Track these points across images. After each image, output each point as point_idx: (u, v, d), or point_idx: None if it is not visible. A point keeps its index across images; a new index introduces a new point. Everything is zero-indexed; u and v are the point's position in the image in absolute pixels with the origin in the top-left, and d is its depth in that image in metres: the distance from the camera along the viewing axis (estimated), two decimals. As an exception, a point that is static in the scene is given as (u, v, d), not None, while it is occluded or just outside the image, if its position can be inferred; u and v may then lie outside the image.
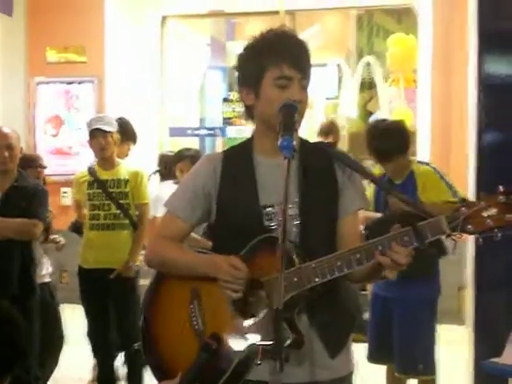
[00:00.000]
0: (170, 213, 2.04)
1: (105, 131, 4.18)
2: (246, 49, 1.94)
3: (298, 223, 1.88)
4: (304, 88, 1.89)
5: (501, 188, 1.67)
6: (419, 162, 3.77)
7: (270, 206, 1.90)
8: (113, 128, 4.25)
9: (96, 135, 4.19)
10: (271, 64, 1.87)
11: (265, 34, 1.93)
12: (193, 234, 3.66)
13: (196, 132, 7.85)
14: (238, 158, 1.99)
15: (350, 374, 2.01)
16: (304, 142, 1.99)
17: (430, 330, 3.60)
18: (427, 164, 3.74)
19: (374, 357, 3.72)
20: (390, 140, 3.53)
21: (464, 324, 5.88)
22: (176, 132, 7.82)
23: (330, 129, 6.64)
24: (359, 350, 3.60)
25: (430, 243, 1.71)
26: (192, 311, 1.91)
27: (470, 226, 1.67)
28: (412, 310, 3.53)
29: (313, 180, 1.91)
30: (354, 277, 1.88)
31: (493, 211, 1.66)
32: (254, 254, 1.85)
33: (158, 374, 1.98)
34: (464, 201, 1.72)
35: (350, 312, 2.02)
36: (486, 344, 3.45)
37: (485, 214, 1.66)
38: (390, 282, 3.56)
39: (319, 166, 1.94)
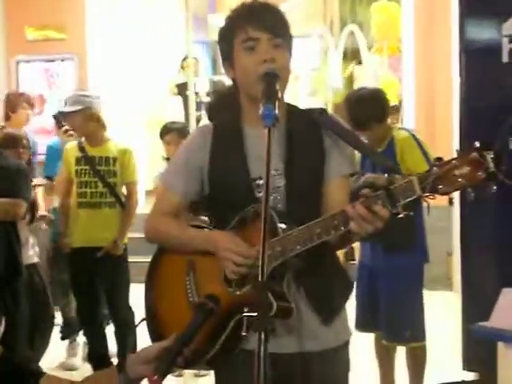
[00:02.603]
0: (164, 187, 2.05)
1: (70, 112, 4.05)
2: (222, 25, 1.93)
3: (284, 191, 1.87)
4: (276, 46, 1.84)
5: (477, 144, 1.56)
6: (400, 129, 3.74)
7: (260, 178, 1.87)
8: (81, 105, 4.08)
9: (64, 120, 4.10)
10: (237, 29, 1.85)
11: (236, 6, 1.91)
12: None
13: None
14: (228, 130, 1.98)
15: (346, 343, 1.96)
16: (292, 109, 1.96)
17: (417, 297, 3.59)
18: (407, 130, 3.71)
19: (361, 325, 3.72)
20: (365, 107, 3.51)
21: (453, 289, 5.94)
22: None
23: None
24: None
25: (405, 207, 1.64)
26: (187, 283, 1.92)
27: (441, 186, 1.58)
28: (398, 277, 3.53)
29: (299, 146, 1.88)
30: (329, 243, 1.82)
31: (465, 169, 1.56)
32: (242, 226, 1.84)
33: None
34: (438, 160, 1.61)
35: (345, 275, 1.99)
36: (474, 308, 3.46)
37: (457, 173, 1.57)
38: (376, 251, 3.62)
39: (306, 132, 1.91)
